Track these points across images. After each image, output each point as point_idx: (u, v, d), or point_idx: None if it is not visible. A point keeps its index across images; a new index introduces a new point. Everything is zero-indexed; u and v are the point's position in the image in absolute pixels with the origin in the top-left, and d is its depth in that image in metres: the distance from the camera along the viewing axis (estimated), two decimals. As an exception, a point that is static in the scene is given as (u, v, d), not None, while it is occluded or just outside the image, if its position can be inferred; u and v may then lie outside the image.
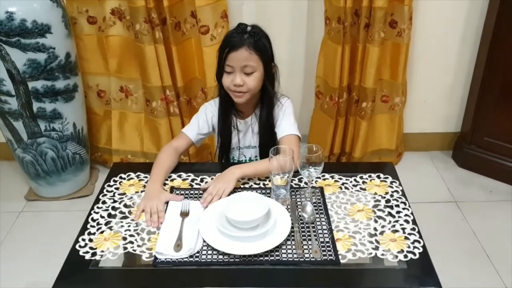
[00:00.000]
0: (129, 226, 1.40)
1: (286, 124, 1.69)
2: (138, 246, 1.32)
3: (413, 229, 1.37)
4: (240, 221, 1.30)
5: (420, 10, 2.50)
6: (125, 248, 1.32)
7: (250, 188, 1.55)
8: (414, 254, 1.28)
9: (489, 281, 2.09)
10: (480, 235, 2.32)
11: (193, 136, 1.73)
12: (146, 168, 1.66)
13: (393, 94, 2.63)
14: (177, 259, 1.27)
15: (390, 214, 1.43)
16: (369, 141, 2.76)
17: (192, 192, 1.54)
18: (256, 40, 1.57)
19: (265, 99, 1.69)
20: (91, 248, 1.32)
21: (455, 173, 2.81)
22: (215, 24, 2.39)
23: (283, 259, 1.26)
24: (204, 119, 1.75)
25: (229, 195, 1.48)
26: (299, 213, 1.41)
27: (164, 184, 1.56)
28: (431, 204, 2.57)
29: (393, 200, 1.49)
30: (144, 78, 2.51)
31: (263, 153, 1.73)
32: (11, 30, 2.11)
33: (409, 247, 1.30)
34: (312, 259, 1.26)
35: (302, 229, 1.36)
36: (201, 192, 1.52)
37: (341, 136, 2.73)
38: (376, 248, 1.30)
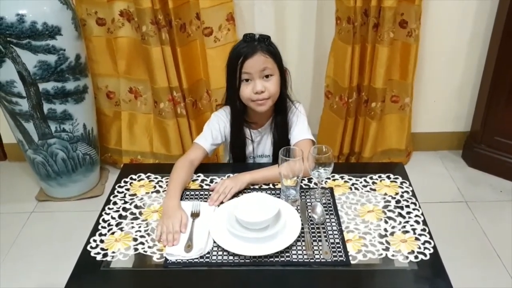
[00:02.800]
0: (139, 227, 1.41)
1: (301, 129, 1.69)
2: (149, 247, 1.33)
3: (424, 229, 1.37)
4: (250, 222, 1.30)
5: (429, 10, 2.49)
6: (136, 249, 1.33)
7: (260, 189, 1.55)
8: (425, 255, 1.28)
9: (500, 281, 2.08)
10: (490, 235, 2.31)
11: (207, 146, 1.68)
12: (156, 169, 1.67)
13: (403, 94, 2.62)
14: (187, 260, 1.27)
15: (400, 214, 1.43)
16: (379, 141, 2.75)
17: (202, 193, 1.54)
18: (268, 44, 1.58)
19: (280, 106, 1.69)
20: (102, 249, 1.33)
21: (465, 173, 2.80)
22: (219, 26, 2.39)
23: (293, 260, 1.27)
24: (217, 129, 1.72)
25: (234, 196, 1.48)
26: (309, 214, 1.41)
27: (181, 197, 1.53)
28: (441, 204, 2.56)
29: (403, 200, 1.49)
30: (151, 79, 2.52)
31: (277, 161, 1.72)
32: (22, 33, 2.13)
33: (419, 248, 1.30)
34: (322, 260, 1.26)
35: (312, 230, 1.36)
36: (210, 192, 1.53)
37: (350, 136, 2.72)
38: (387, 249, 1.30)
